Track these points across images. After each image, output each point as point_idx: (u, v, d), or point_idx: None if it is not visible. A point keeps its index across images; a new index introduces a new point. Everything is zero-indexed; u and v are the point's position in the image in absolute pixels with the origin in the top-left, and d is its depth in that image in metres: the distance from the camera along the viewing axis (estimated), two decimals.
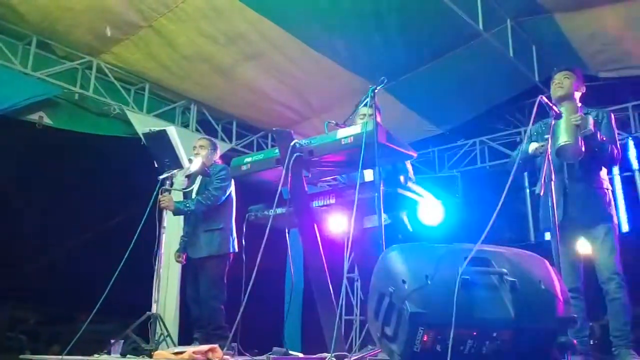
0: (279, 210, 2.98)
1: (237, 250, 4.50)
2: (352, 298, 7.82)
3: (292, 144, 2.85)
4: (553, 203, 2.82)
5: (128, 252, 3.72)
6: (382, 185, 2.74)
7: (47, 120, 5.84)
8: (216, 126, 7.37)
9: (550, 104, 2.96)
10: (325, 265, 2.97)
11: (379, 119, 4.03)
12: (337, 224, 3.19)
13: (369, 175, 3.16)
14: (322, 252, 2.95)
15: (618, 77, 6.68)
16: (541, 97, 2.79)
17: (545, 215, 3.47)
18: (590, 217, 3.38)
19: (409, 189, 3.01)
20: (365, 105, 3.30)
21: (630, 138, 7.20)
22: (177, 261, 4.67)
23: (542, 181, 2.91)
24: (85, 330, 3.76)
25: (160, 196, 4.05)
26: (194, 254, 4.51)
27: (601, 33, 6.05)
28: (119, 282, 3.77)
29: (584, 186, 3.39)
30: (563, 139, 3.22)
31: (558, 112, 3.00)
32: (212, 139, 5.22)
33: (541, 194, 3.05)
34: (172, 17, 5.38)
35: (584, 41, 6.29)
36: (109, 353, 3.68)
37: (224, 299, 4.42)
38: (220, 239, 4.49)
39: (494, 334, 1.96)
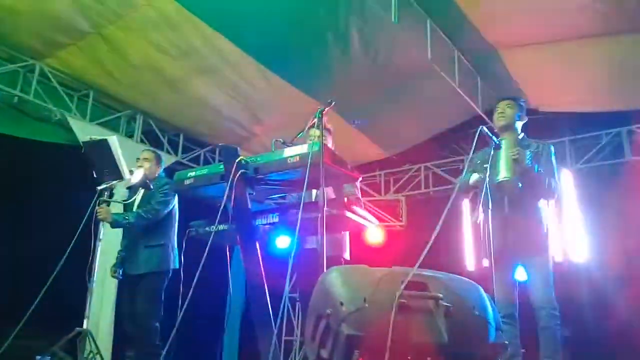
0: (221, 227, 2.94)
1: (177, 266, 4.39)
2: (292, 318, 7.75)
3: (237, 160, 2.82)
4: (489, 231, 2.90)
5: (60, 264, 3.58)
6: (325, 206, 2.75)
7: None
8: (162, 138, 7.23)
9: (490, 135, 3.07)
10: (266, 284, 2.94)
11: (330, 140, 4.09)
12: (280, 242, 3.17)
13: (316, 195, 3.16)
14: (262, 271, 2.92)
15: (556, 111, 7.01)
16: (482, 127, 2.89)
17: (485, 242, 3.56)
18: (526, 248, 3.46)
19: (353, 211, 3.03)
20: (313, 126, 3.32)
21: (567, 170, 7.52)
22: (113, 276, 4.45)
23: (480, 210, 3.00)
24: (11, 344, 3.59)
25: (97, 207, 3.93)
26: (132, 270, 4.35)
27: (542, 69, 6.35)
28: (51, 296, 3.61)
29: (522, 217, 3.46)
30: (502, 174, 3.32)
31: (498, 143, 3.12)
32: (157, 151, 5.11)
33: (477, 222, 3.13)
34: (122, 25, 5.28)
35: (526, 76, 6.57)
36: None
37: (160, 316, 4.29)
38: (161, 256, 4.36)
39: (428, 359, 1.98)
